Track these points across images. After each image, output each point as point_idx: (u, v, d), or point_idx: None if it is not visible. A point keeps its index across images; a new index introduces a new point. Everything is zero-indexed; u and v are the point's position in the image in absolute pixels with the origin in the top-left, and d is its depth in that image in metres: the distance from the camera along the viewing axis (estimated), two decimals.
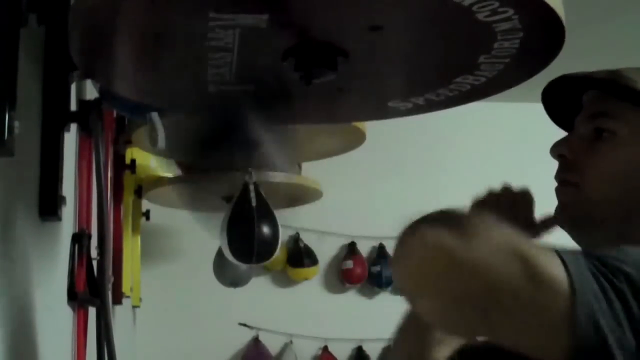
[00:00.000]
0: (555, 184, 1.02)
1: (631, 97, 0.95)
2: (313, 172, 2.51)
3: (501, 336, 0.77)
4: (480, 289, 0.74)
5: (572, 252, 0.77)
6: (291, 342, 3.67)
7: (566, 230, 1.00)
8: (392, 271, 0.83)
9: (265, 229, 1.97)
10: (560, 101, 1.06)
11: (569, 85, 1.03)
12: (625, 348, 0.72)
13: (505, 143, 3.90)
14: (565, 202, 1.00)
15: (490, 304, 0.74)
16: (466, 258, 0.74)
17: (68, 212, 1.38)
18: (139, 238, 2.80)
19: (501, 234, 0.77)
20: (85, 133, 1.46)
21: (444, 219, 0.79)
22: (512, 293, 0.73)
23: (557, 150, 1.01)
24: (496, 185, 1.05)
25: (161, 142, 1.51)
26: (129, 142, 2.18)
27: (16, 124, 0.92)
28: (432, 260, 0.76)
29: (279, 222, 2.01)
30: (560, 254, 0.75)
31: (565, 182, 1.00)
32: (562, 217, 1.01)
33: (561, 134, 1.07)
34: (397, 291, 3.67)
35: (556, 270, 0.73)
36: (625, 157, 0.96)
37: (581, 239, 0.99)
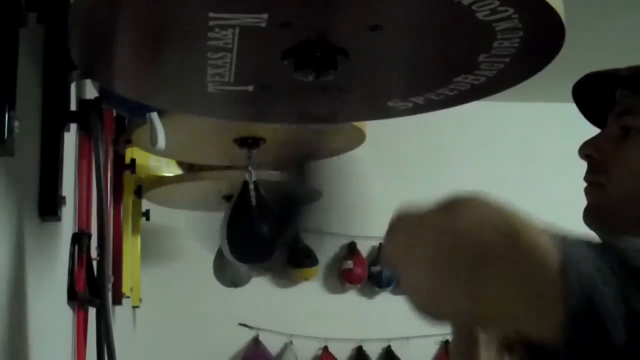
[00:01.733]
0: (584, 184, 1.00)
1: None
2: None
3: (489, 310, 0.68)
4: (465, 251, 0.67)
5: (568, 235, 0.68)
6: (291, 342, 3.67)
7: (594, 231, 0.98)
8: (384, 245, 0.76)
9: (265, 229, 1.97)
10: (592, 97, 1.04)
11: (599, 81, 1.00)
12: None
13: (506, 143, 3.90)
14: (592, 203, 0.99)
15: (477, 268, 0.67)
16: (452, 223, 0.68)
17: (68, 212, 1.38)
18: (139, 238, 2.80)
19: (488, 206, 0.70)
20: (85, 133, 1.45)
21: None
22: (497, 256, 0.65)
23: (585, 150, 0.99)
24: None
25: (161, 142, 1.51)
26: (129, 142, 2.18)
27: (16, 124, 0.91)
28: (420, 229, 0.71)
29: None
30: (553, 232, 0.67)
31: (592, 183, 0.99)
32: (589, 218, 0.99)
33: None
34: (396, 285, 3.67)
35: (543, 239, 0.65)
36: None
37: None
